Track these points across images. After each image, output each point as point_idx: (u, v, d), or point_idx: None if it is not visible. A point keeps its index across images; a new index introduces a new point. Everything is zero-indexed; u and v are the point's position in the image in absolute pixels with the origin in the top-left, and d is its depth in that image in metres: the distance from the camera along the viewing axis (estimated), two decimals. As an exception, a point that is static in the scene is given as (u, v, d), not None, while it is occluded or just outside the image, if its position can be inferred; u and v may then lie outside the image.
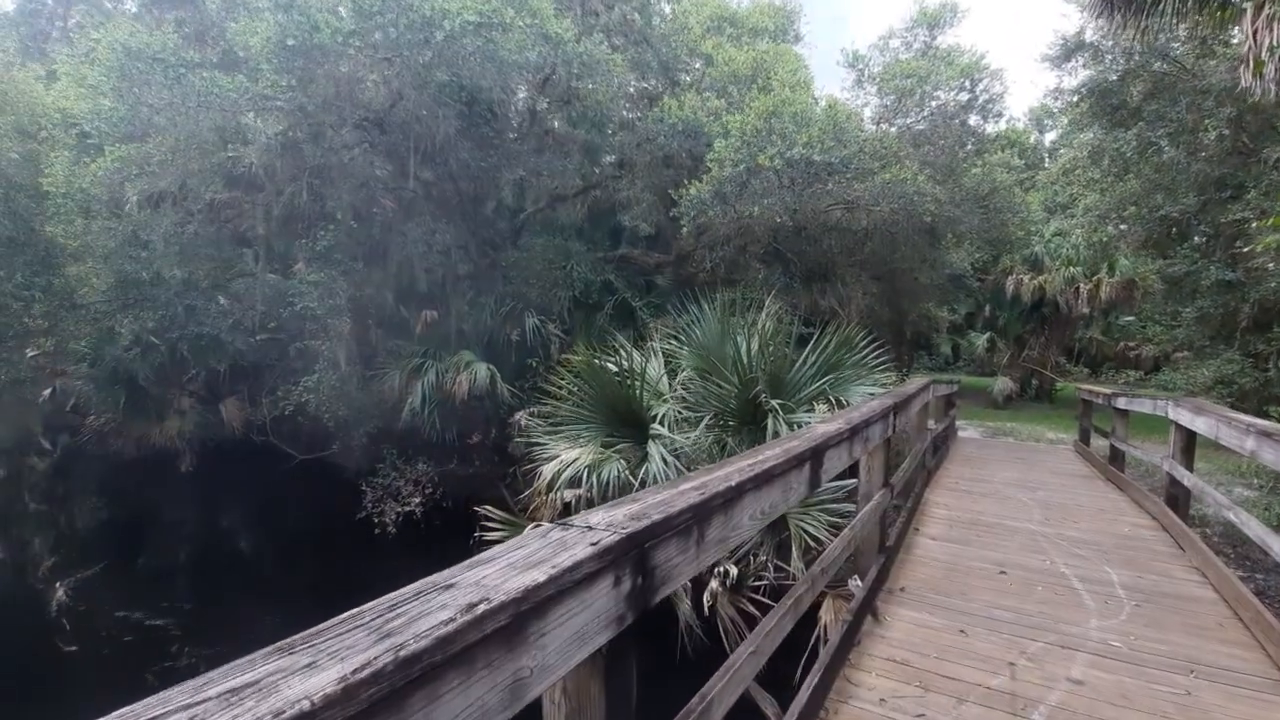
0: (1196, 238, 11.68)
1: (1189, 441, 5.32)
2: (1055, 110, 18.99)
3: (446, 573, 1.05)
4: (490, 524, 5.81)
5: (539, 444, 6.27)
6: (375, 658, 0.75)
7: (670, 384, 6.65)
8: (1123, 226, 13.19)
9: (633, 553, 1.27)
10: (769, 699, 4.23)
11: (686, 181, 9.89)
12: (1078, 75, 12.50)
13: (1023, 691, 2.86)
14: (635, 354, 6.67)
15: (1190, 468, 5.34)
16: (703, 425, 6.01)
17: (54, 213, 10.50)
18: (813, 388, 6.20)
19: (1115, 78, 11.65)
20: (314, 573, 9.68)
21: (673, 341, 7.28)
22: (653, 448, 5.69)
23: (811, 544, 5.01)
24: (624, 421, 6.05)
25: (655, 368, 6.71)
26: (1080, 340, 21.19)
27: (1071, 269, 17.14)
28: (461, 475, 10.77)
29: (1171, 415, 5.47)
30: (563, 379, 6.55)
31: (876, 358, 6.62)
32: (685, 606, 5.08)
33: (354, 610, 0.90)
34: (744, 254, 11.35)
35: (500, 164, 10.84)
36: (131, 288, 11.48)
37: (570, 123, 11.89)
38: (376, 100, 9.72)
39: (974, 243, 14.77)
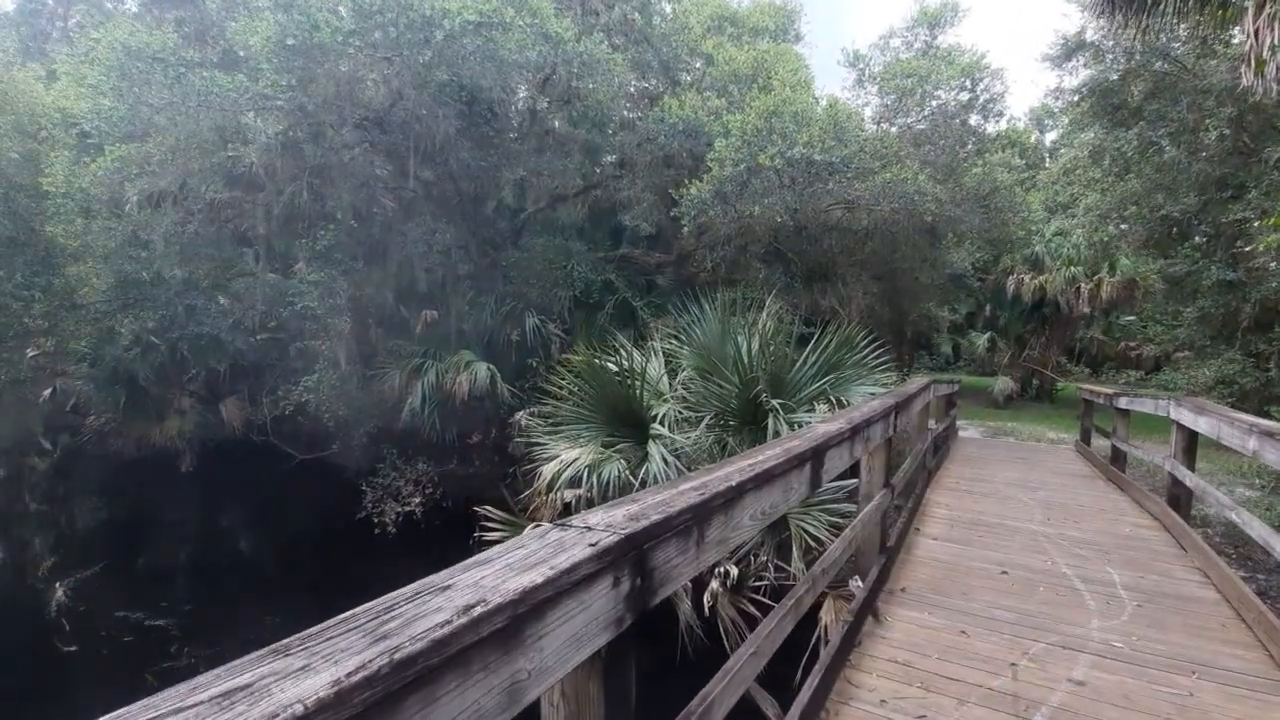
0: (1197, 237, 11.67)
1: (1190, 441, 5.31)
2: (1056, 110, 18.96)
3: (444, 574, 1.03)
4: (490, 524, 5.79)
5: (539, 444, 6.26)
6: (369, 661, 0.74)
7: (671, 384, 6.64)
8: (1123, 226, 13.17)
9: (632, 554, 1.26)
10: (770, 700, 4.22)
11: (687, 181, 9.88)
12: (1078, 75, 12.49)
13: (1024, 693, 2.85)
14: (636, 354, 6.66)
15: (1192, 468, 5.33)
16: (703, 425, 6.00)
17: (54, 212, 10.51)
18: (813, 387, 6.19)
19: (1116, 77, 11.63)
20: (314, 573, 9.68)
21: (673, 341, 7.27)
22: (653, 448, 5.68)
23: (812, 544, 5.00)
24: (624, 421, 6.04)
25: (656, 367, 6.70)
26: (1081, 340, 21.18)
27: (1072, 269, 17.11)
28: (461, 475, 10.77)
29: (1173, 415, 5.46)
30: (563, 379, 6.54)
31: (877, 357, 6.61)
32: (686, 607, 5.07)
33: (350, 612, 0.88)
34: (745, 253, 11.33)
35: (500, 164, 10.83)
36: (132, 287, 11.49)
37: (571, 122, 11.88)
38: (377, 100, 9.72)
39: (975, 242, 14.76)
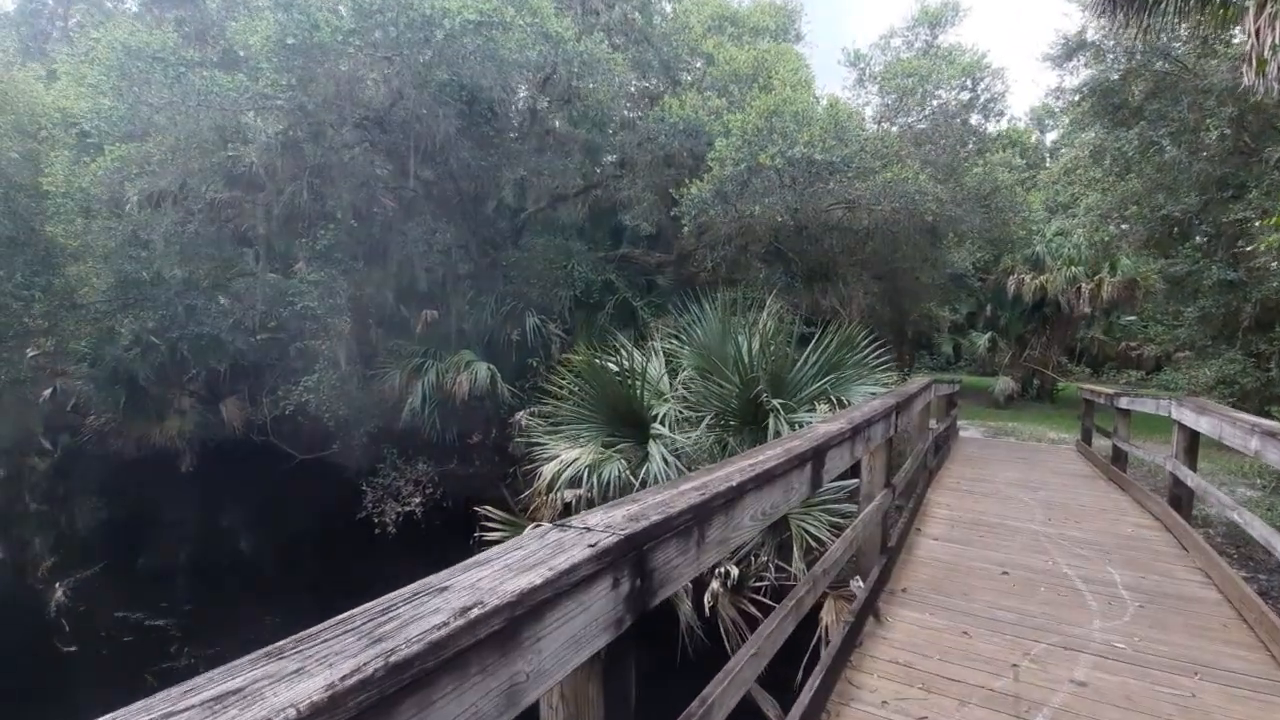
0: (1198, 237, 11.66)
1: (1192, 441, 5.30)
2: (1056, 110, 18.93)
3: (442, 574, 1.03)
4: (490, 524, 5.78)
5: (539, 444, 6.25)
6: (365, 664, 0.73)
7: (671, 384, 6.63)
8: (1124, 226, 13.17)
9: (631, 554, 1.25)
10: (770, 701, 4.21)
11: (688, 181, 9.87)
12: (1079, 74, 12.48)
13: (1026, 694, 2.84)
14: (636, 353, 6.64)
15: (1194, 468, 5.32)
16: (704, 425, 5.99)
17: (54, 212, 10.50)
18: (814, 387, 6.18)
19: (1117, 77, 11.62)
20: (314, 573, 9.67)
21: (674, 341, 7.26)
22: (653, 448, 5.66)
23: (813, 544, 4.99)
24: (625, 421, 6.03)
25: (656, 367, 6.69)
26: (1082, 340, 21.16)
27: (1073, 268, 17.10)
28: (462, 475, 10.76)
29: (1174, 415, 5.45)
30: (563, 379, 6.53)
31: (878, 357, 6.60)
32: (686, 607, 5.06)
33: (346, 614, 0.88)
34: (745, 253, 11.33)
35: (501, 163, 10.82)
36: (132, 287, 11.48)
37: (571, 122, 11.87)
38: (377, 99, 9.71)
39: (975, 242, 14.75)
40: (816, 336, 6.51)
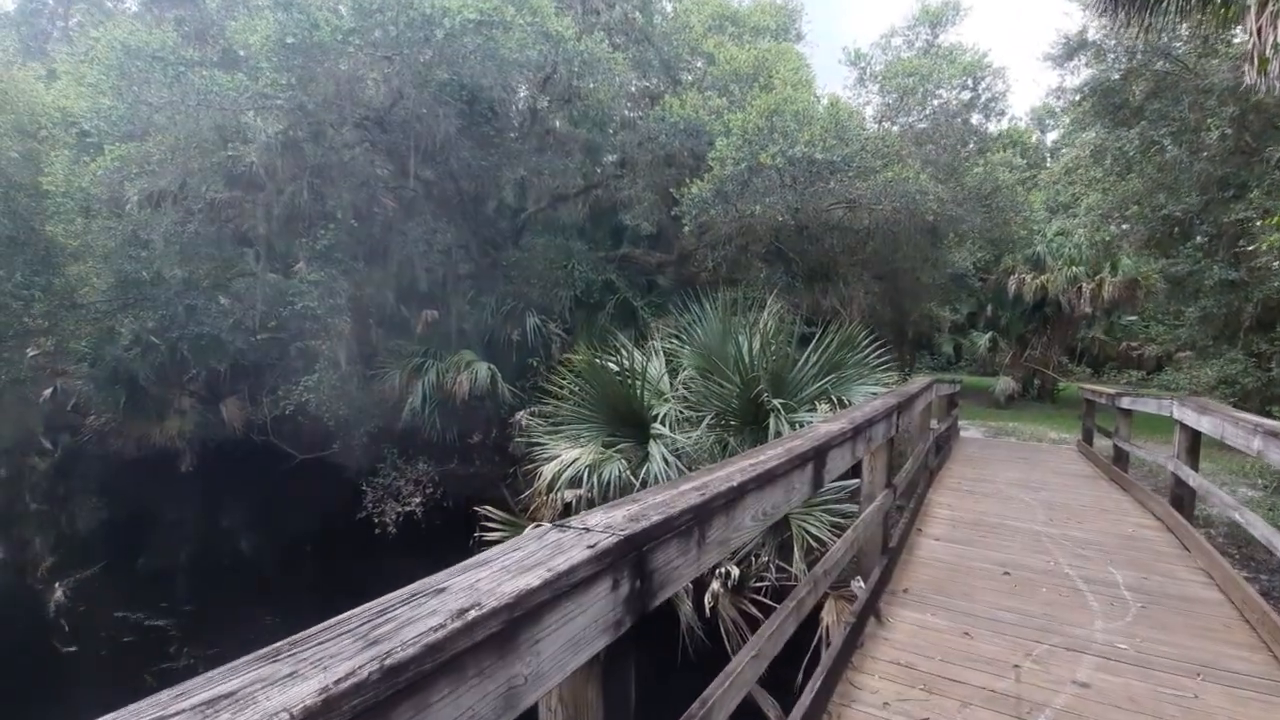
0: (1199, 237, 11.64)
1: (1194, 441, 5.29)
2: (1057, 109, 18.95)
3: (440, 575, 1.01)
4: (490, 524, 5.78)
5: (540, 444, 6.24)
6: (359, 667, 0.72)
7: (671, 383, 6.62)
8: (1125, 226, 13.16)
9: (631, 555, 1.24)
10: (771, 701, 4.20)
11: (688, 180, 9.86)
12: (1080, 74, 12.48)
13: (1028, 695, 2.82)
14: (636, 353, 6.64)
15: (1196, 468, 5.30)
16: (704, 425, 5.98)
17: (54, 212, 10.50)
18: (815, 387, 6.17)
19: (1118, 76, 11.62)
20: (314, 573, 9.67)
21: (674, 341, 7.26)
22: (654, 447, 5.65)
23: (814, 545, 4.97)
24: (625, 421, 6.02)
25: (656, 367, 6.68)
26: (1082, 340, 21.13)
27: (1074, 268, 17.08)
28: (462, 475, 10.75)
29: (1176, 415, 5.43)
30: (564, 378, 6.53)
31: (878, 357, 6.59)
32: (686, 608, 5.04)
33: (343, 615, 0.87)
34: (746, 253, 11.31)
35: (501, 163, 10.81)
36: (132, 287, 11.47)
37: (571, 122, 11.86)
38: (377, 99, 9.70)
39: (976, 242, 14.74)
40: (817, 336, 6.50)
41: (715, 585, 5.02)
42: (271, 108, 9.38)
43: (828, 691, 2.76)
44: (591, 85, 10.24)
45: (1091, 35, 11.81)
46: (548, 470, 5.72)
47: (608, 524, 1.28)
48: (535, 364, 10.34)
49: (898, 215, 10.18)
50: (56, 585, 9.22)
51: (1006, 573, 4.35)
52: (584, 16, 11.28)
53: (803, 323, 8.36)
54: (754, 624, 4.76)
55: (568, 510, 5.61)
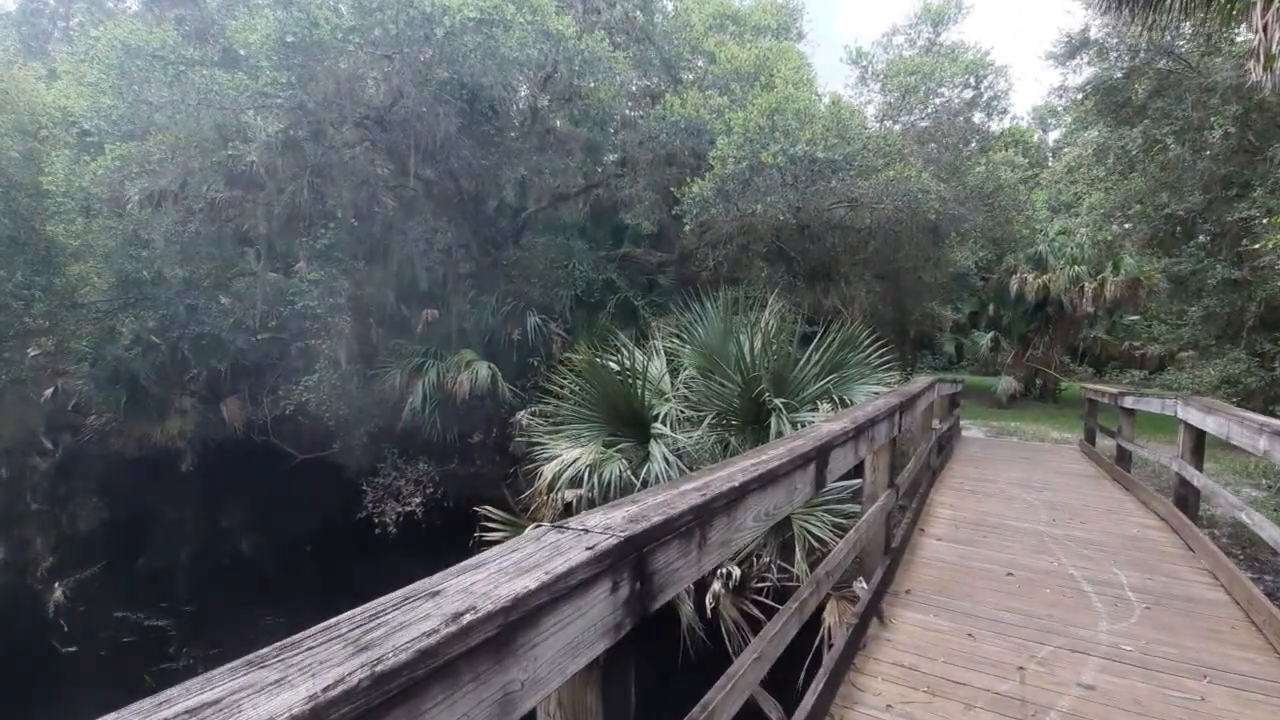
0: (1202, 236, 11.61)
1: (1199, 441, 5.25)
2: (1059, 108, 18.93)
3: (435, 578, 0.99)
4: (490, 524, 5.76)
5: (540, 443, 6.22)
6: (349, 674, 0.69)
7: (672, 383, 6.60)
8: (1127, 225, 13.13)
9: (631, 557, 1.21)
10: (773, 703, 4.17)
11: (689, 179, 9.83)
12: (1082, 73, 12.46)
13: (1033, 697, 2.79)
14: (637, 353, 6.62)
15: (1200, 468, 5.27)
16: (705, 425, 5.96)
17: (54, 211, 10.50)
18: (816, 387, 6.14)
19: (1120, 75, 11.59)
20: (314, 573, 9.66)
21: (675, 340, 7.23)
22: (655, 447, 5.63)
23: (816, 545, 4.95)
24: (626, 421, 6.00)
25: (657, 367, 6.66)
26: (1085, 339, 21.09)
27: (1076, 268, 17.04)
28: (462, 475, 10.74)
29: (1181, 414, 5.40)
30: (564, 378, 6.51)
31: (880, 357, 6.56)
32: (688, 609, 5.02)
33: (334, 619, 0.84)
34: (747, 252, 11.29)
35: (501, 162, 10.79)
36: (132, 287, 11.48)
37: (572, 121, 11.84)
38: (377, 98, 9.69)
39: (978, 241, 14.71)
40: (819, 336, 6.47)
41: (716, 586, 5.00)
42: (272, 107, 9.37)
43: (830, 693, 2.73)
44: (592, 84, 10.22)
45: (1094, 33, 11.79)
46: (548, 470, 5.70)
47: (607, 525, 1.25)
48: (536, 363, 10.32)
49: (899, 214, 10.15)
50: (57, 585, 9.21)
51: (1010, 573, 4.32)
52: (584, 15, 11.25)
53: (804, 322, 8.34)
54: (755, 625, 4.73)
55: (568, 510, 5.59)
